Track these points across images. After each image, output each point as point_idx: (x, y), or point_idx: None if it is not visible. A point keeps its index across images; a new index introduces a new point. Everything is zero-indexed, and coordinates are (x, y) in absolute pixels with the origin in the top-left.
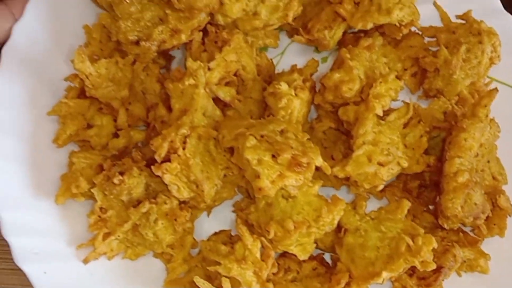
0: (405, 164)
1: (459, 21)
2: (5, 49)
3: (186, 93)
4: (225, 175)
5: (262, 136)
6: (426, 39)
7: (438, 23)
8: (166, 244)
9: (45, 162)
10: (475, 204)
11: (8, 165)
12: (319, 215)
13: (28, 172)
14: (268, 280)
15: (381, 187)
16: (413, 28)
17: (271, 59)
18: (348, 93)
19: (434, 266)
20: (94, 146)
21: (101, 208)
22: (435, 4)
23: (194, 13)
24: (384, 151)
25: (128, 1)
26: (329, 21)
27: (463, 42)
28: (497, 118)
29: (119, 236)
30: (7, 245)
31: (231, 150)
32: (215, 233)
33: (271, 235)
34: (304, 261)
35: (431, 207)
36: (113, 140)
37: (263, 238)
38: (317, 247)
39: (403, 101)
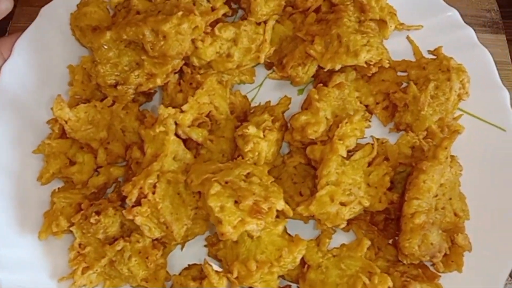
0: (366, 203)
1: (431, 56)
2: None
3: (157, 139)
4: (196, 213)
5: (226, 182)
6: (399, 73)
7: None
8: (140, 278)
9: (30, 199)
10: (432, 244)
11: None
12: (281, 255)
13: (15, 209)
14: None
15: (343, 225)
16: None
17: (245, 96)
18: (313, 135)
19: None
20: (76, 182)
21: (80, 244)
22: (408, 38)
23: (168, 59)
24: (346, 191)
25: (106, 47)
26: (302, 58)
27: (432, 79)
28: (469, 151)
29: (97, 270)
30: None
31: (199, 193)
32: (187, 267)
33: (235, 275)
34: None
35: (397, 238)
36: (92, 179)
37: (229, 275)
38: (284, 279)
39: (371, 136)
